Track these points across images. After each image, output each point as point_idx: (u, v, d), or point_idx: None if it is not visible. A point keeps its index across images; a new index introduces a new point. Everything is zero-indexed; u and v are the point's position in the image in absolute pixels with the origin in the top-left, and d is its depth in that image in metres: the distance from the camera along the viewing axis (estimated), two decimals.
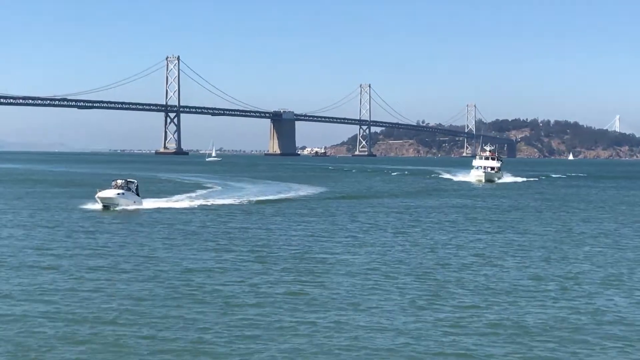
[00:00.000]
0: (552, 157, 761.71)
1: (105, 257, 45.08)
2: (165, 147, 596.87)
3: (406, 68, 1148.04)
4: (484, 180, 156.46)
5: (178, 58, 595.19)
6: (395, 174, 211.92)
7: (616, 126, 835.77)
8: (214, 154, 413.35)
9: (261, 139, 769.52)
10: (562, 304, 32.98)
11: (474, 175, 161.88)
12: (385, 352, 25.86)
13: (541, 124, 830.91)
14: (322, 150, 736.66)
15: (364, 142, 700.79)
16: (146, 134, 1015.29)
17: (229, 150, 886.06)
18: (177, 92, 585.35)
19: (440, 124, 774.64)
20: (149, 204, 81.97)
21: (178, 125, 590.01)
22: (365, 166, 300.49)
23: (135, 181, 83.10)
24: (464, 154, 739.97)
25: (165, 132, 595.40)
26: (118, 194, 77.77)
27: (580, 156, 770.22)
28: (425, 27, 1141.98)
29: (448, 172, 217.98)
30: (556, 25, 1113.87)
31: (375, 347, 26.27)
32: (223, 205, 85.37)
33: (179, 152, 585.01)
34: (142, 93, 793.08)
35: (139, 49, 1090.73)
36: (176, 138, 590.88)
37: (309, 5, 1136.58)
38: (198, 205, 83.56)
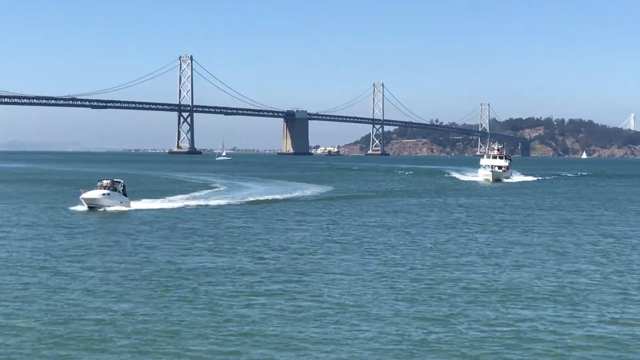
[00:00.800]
0: (567, 156, 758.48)
1: (79, 259, 44.54)
2: (178, 147, 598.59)
3: (420, 67, 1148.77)
4: (491, 180, 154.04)
5: (191, 58, 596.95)
6: (407, 173, 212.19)
7: (631, 124, 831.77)
8: (224, 154, 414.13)
9: (274, 138, 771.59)
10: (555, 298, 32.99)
11: (482, 175, 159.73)
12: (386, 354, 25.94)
13: (555, 123, 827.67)
14: (335, 150, 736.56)
15: (377, 141, 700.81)
16: (160, 133, 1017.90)
17: (242, 150, 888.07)
18: (190, 91, 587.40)
19: (453, 123, 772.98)
20: (140, 204, 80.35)
21: (191, 125, 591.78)
22: (377, 165, 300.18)
23: (122, 181, 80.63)
24: (478, 153, 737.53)
25: (179, 132, 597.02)
26: (103, 194, 75.64)
27: (595, 155, 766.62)
28: (438, 26, 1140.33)
29: (458, 171, 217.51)
30: (571, 23, 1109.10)
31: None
32: (217, 205, 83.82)
33: (193, 151, 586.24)
34: (155, 93, 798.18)
35: (153, 49, 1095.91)
36: (189, 137, 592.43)
37: (322, 4, 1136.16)
38: (189, 206, 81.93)
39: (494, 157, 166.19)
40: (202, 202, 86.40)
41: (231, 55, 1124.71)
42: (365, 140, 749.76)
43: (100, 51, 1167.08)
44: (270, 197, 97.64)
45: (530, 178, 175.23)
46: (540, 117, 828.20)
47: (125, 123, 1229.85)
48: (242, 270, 40.85)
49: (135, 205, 78.73)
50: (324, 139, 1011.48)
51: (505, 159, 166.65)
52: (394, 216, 74.00)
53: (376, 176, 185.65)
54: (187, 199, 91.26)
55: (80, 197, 75.84)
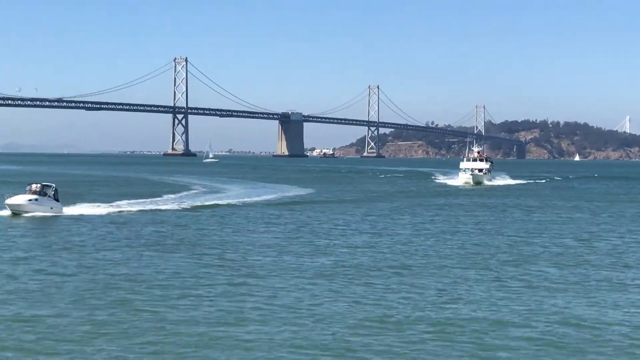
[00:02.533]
0: (562, 159, 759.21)
1: None
2: (173, 149, 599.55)
3: (415, 69, 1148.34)
4: (472, 183, 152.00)
5: (186, 60, 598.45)
6: (388, 175, 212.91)
7: (626, 127, 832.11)
8: (211, 155, 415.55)
9: (270, 140, 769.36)
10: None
11: (462, 178, 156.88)
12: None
13: (551, 125, 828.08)
14: (331, 152, 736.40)
15: (372, 144, 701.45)
16: (156, 135, 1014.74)
17: (238, 152, 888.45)
18: (185, 93, 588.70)
19: (449, 125, 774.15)
20: (75, 209, 76.03)
21: (186, 127, 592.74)
22: (367, 168, 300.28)
23: (53, 185, 75.29)
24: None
25: (173, 134, 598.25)
26: (30, 200, 70.82)
27: (590, 157, 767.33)
28: (433, 28, 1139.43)
29: (447, 174, 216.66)
30: (565, 26, 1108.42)
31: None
32: (163, 210, 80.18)
33: (187, 153, 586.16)
34: (150, 95, 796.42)
35: (147, 51, 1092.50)
36: (184, 139, 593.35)
37: (317, 6, 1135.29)
38: (131, 211, 78.01)
39: (474, 159, 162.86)
40: (145, 207, 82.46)
41: (226, 57, 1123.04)
42: (361, 142, 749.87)
43: (94, 53, 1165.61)
44: (218, 201, 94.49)
45: (515, 181, 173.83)
46: (536, 120, 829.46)
47: (121, 125, 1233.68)
48: (159, 276, 40.71)
49: (69, 210, 74.51)
50: (320, 141, 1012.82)
51: (486, 161, 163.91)
52: (348, 220, 73.50)
53: (354, 179, 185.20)
54: (134, 204, 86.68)
55: (5, 202, 71.02)
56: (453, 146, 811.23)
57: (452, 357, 26.25)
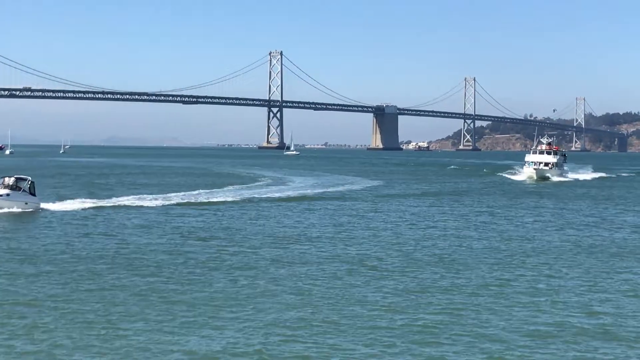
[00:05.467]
0: None
1: None
2: (268, 142, 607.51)
3: (513, 61, 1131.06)
4: (535, 178, 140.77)
5: (281, 53, 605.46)
6: (456, 167, 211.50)
7: None
8: (292, 148, 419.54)
9: (365, 133, 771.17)
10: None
11: (526, 173, 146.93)
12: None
13: None
14: (425, 145, 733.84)
15: (468, 137, 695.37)
16: (254, 128, 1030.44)
17: (334, 145, 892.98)
18: (280, 87, 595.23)
19: (548, 118, 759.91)
20: (59, 205, 70.87)
21: (280, 120, 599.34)
22: (448, 160, 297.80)
23: (29, 178, 69.30)
24: (573, 149, 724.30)
25: (268, 127, 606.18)
26: (0, 195, 65.97)
27: None
28: (530, 18, 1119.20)
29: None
30: None
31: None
32: (178, 205, 75.88)
33: (281, 146, 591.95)
34: (246, 88, 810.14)
35: (243, 45, 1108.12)
36: (279, 132, 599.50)
37: None
38: (119, 206, 72.99)
39: (540, 152, 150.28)
40: (145, 202, 76.98)
41: (321, 50, 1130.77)
42: (457, 135, 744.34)
43: (191, 47, 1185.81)
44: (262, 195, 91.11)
45: (593, 175, 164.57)
46: (639, 112, 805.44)
47: (221, 119, 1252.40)
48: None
49: (49, 206, 69.66)
50: (415, 134, 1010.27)
51: (554, 154, 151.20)
52: (374, 214, 72.56)
53: (422, 172, 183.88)
54: (134, 199, 79.99)
55: None
56: (552, 139, 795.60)
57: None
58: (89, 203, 73.91)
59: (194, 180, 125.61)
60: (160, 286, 35.01)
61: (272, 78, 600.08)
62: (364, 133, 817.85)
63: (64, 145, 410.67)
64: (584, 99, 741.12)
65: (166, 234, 53.24)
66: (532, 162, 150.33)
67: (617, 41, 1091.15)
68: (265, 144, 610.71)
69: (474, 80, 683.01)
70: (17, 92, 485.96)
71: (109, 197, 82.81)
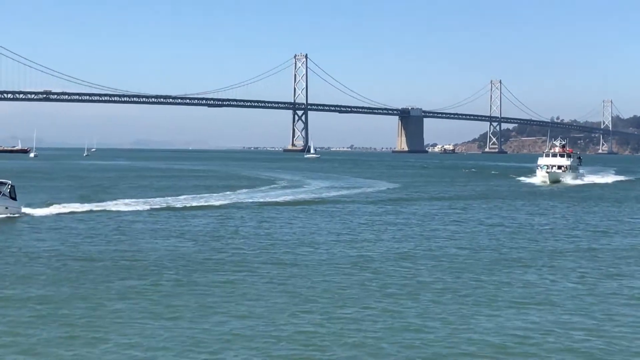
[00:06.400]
0: None
1: None
2: (293, 145, 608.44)
3: (538, 63, 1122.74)
4: (548, 182, 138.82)
5: (306, 56, 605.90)
6: (469, 170, 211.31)
7: None
8: (312, 151, 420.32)
9: (390, 136, 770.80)
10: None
11: (539, 176, 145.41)
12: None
13: None
14: (451, 147, 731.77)
15: (494, 139, 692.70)
16: (279, 132, 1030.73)
17: (359, 148, 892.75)
18: (305, 90, 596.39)
19: (575, 121, 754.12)
20: (42, 210, 68.33)
21: (306, 123, 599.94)
22: (463, 163, 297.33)
23: (9, 182, 65.78)
24: (600, 151, 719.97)
25: (293, 130, 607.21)
26: None
27: None
28: (556, 20, 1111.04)
29: None
30: None
31: None
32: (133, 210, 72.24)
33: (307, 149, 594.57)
34: (271, 91, 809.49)
35: (268, 48, 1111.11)
36: (304, 135, 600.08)
37: (436, 3, 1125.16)
38: (104, 211, 70.68)
39: (553, 155, 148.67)
40: (139, 207, 75.17)
41: (346, 53, 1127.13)
42: (483, 138, 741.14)
43: (217, 50, 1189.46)
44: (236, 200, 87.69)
45: (618, 177, 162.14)
46: None
47: (246, 122, 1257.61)
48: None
49: (31, 211, 67.06)
50: (441, 137, 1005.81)
51: (568, 157, 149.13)
52: (371, 219, 72.81)
53: (432, 174, 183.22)
54: (141, 203, 79.17)
55: None
56: (579, 142, 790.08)
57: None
58: (74, 207, 71.63)
59: (203, 182, 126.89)
60: (147, 289, 35.06)
61: (297, 81, 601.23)
62: (389, 136, 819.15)
63: (89, 149, 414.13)
64: (611, 102, 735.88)
65: (157, 238, 52.81)
66: (545, 165, 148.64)
67: None
68: (290, 147, 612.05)
69: (500, 82, 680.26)
70: (50, 96, 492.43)
71: (101, 200, 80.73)
